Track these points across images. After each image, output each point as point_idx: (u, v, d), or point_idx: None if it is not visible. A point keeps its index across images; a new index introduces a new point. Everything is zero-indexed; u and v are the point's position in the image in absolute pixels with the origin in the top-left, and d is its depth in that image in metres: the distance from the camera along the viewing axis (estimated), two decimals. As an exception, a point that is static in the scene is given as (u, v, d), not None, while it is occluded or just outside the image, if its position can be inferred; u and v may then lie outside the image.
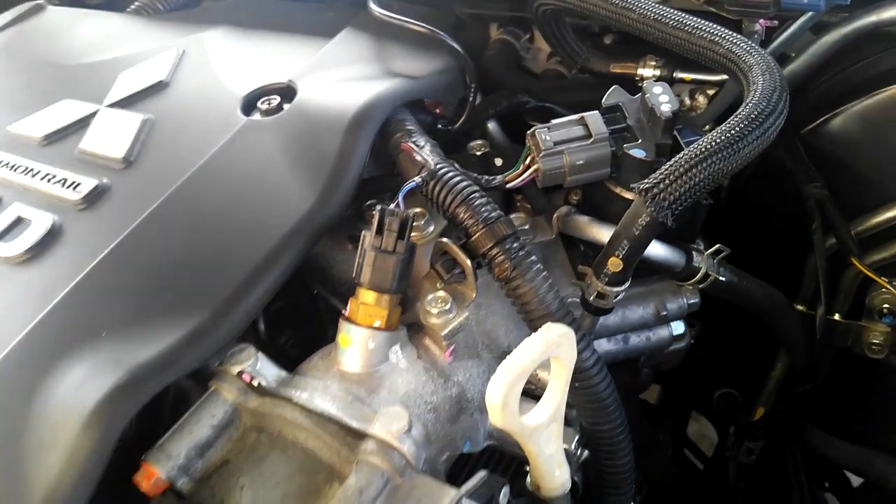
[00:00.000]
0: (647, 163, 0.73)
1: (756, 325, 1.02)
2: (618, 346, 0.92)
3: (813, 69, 0.92)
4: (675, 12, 0.79)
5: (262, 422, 0.62)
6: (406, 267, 0.67)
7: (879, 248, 0.98)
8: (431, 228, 0.78)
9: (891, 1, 0.86)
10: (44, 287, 0.66)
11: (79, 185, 0.76)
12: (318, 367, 0.67)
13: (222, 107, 0.84)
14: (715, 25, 0.77)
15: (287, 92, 0.85)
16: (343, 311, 0.68)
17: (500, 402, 0.52)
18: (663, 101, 0.73)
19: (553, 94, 1.00)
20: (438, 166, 0.72)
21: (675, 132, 0.74)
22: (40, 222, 0.73)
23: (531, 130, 0.75)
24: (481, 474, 0.58)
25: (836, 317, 1.04)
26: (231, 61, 0.93)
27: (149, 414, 0.60)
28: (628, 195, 0.77)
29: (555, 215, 0.85)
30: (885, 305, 0.99)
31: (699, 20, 0.77)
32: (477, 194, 0.70)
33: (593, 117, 0.74)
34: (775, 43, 0.88)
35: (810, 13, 0.86)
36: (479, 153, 0.89)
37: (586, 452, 0.74)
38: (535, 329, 0.58)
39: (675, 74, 0.93)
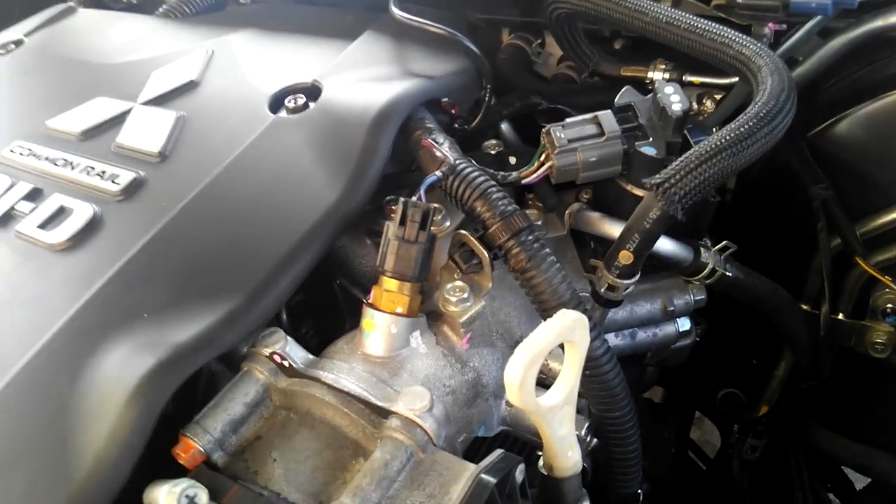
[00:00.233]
0: (658, 160, 0.76)
1: (760, 325, 1.04)
2: (625, 341, 0.95)
3: (820, 72, 0.94)
4: (687, 16, 0.82)
5: (292, 400, 0.66)
6: (427, 256, 0.70)
7: (884, 249, 0.99)
8: (448, 223, 0.81)
9: (898, 6, 0.88)
10: (86, 272, 0.70)
11: (117, 177, 0.80)
12: (344, 351, 0.71)
13: (251, 105, 0.87)
14: (725, 28, 0.79)
15: (312, 91, 0.89)
16: (366, 299, 0.72)
17: (518, 381, 0.55)
18: (674, 100, 0.75)
19: (564, 96, 1.02)
20: (457, 162, 0.75)
21: (685, 131, 0.77)
22: (81, 212, 0.76)
23: (546, 128, 0.78)
24: (498, 452, 0.61)
25: (840, 316, 1.05)
26: (258, 62, 0.97)
27: (184, 394, 0.63)
28: (639, 192, 0.80)
29: (567, 212, 0.88)
30: (889, 305, 1.00)
31: (710, 23, 0.80)
32: (494, 189, 0.73)
33: (606, 116, 0.77)
34: (784, 46, 0.90)
35: (818, 18, 0.88)
36: (493, 152, 0.92)
37: (596, 440, 0.76)
38: (548, 318, 0.61)
39: (684, 78, 0.95)
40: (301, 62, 0.96)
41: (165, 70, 0.98)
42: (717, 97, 0.97)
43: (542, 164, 0.78)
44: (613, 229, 0.82)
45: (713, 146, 0.67)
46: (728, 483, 1.25)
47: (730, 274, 0.88)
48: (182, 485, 0.55)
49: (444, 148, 0.78)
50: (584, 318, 0.59)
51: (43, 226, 0.76)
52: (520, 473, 0.61)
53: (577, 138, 0.77)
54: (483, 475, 0.58)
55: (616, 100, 0.81)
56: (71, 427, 0.58)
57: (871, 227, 1.00)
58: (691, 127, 0.78)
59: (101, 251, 0.72)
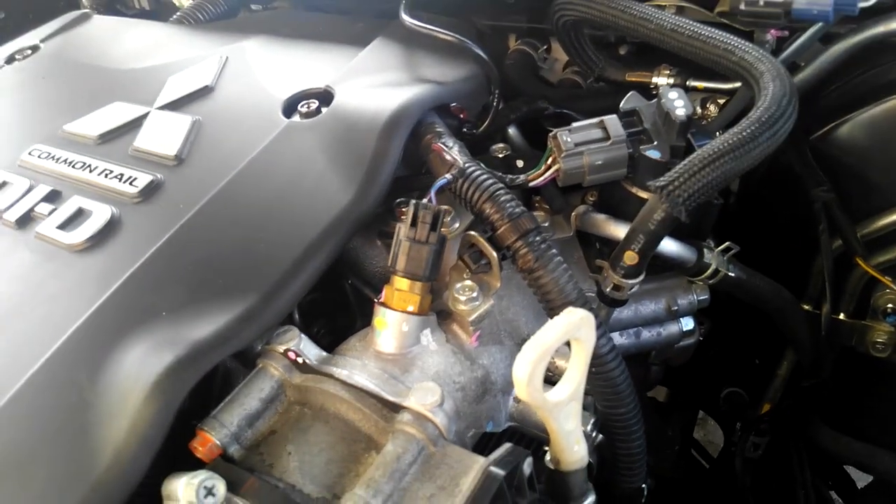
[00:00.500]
0: (662, 164, 0.78)
1: (763, 325, 1.05)
2: (630, 340, 0.96)
3: (822, 78, 0.95)
4: (690, 23, 0.83)
5: (306, 396, 0.67)
6: (437, 257, 0.72)
7: (884, 250, 1.00)
8: (458, 224, 0.83)
9: (898, 13, 0.90)
10: (105, 272, 0.72)
11: (135, 179, 0.82)
12: (356, 348, 0.73)
13: (264, 110, 0.89)
14: (728, 35, 0.81)
15: (325, 96, 0.91)
16: (378, 298, 0.74)
17: (526, 377, 0.56)
18: (678, 105, 0.77)
19: (569, 101, 1.04)
20: (467, 165, 0.77)
21: (689, 135, 0.79)
22: (100, 213, 0.78)
23: (553, 132, 0.79)
24: (507, 446, 0.63)
25: (842, 316, 1.06)
26: (271, 68, 0.99)
27: (200, 390, 0.65)
28: (644, 194, 0.81)
29: (573, 213, 0.90)
30: (889, 305, 1.01)
31: (713, 30, 0.82)
32: (502, 191, 0.75)
33: (612, 121, 0.79)
34: (786, 52, 0.91)
35: (820, 24, 0.89)
36: (500, 156, 0.93)
37: (601, 436, 0.78)
38: (554, 317, 0.62)
39: (688, 83, 0.96)
40: (313, 68, 0.98)
41: (181, 76, 1.00)
42: (721, 101, 0.99)
43: (549, 167, 0.80)
44: (619, 231, 0.84)
45: (716, 150, 0.69)
46: (731, 481, 1.26)
47: (732, 274, 0.89)
48: (200, 476, 0.57)
49: (453, 152, 0.80)
50: (591, 316, 0.60)
51: (62, 227, 0.78)
52: (528, 466, 0.62)
53: (584, 142, 0.78)
54: (492, 468, 0.59)
55: (621, 105, 0.82)
56: (91, 422, 0.60)
57: (872, 229, 1.01)
58: (695, 131, 0.79)
59: (120, 251, 0.74)
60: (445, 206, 0.81)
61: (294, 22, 1.18)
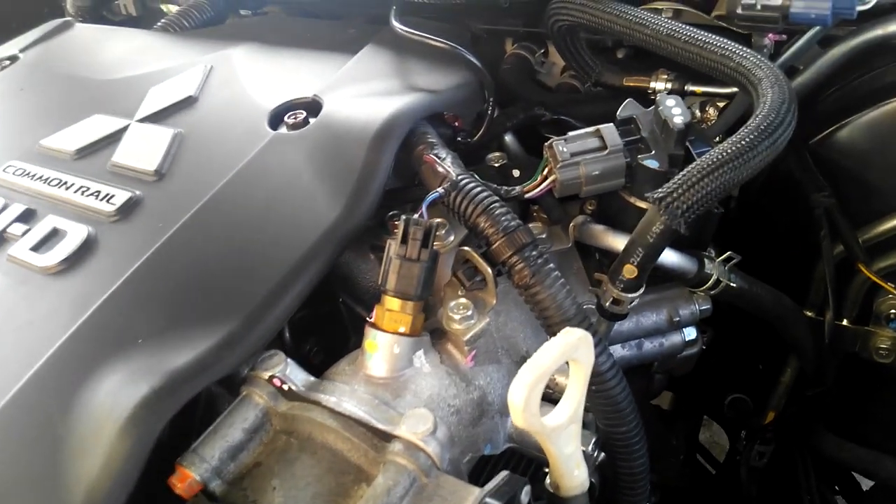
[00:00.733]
0: (661, 173, 0.75)
1: (766, 331, 1.03)
2: (632, 351, 0.94)
3: (821, 81, 0.94)
4: (687, 27, 0.81)
5: (292, 425, 0.64)
6: (430, 274, 0.69)
7: (886, 255, 0.99)
8: (452, 238, 0.80)
9: (896, 15, 0.88)
10: (80, 296, 0.69)
11: (112, 197, 0.79)
12: (345, 372, 0.70)
13: (250, 121, 0.86)
14: (725, 40, 0.79)
15: (313, 106, 0.88)
16: (368, 318, 0.71)
17: (522, 402, 0.54)
18: (676, 113, 0.75)
19: (567, 107, 1.02)
20: (460, 177, 0.74)
21: (687, 143, 0.76)
22: (75, 234, 0.75)
23: (549, 142, 0.77)
24: (503, 474, 0.60)
25: (844, 322, 1.05)
26: (257, 77, 0.96)
27: (181, 419, 0.62)
28: (642, 204, 0.79)
29: (571, 224, 0.88)
30: (892, 311, 1.01)
31: (710, 35, 0.80)
32: (497, 204, 0.73)
33: (608, 129, 0.77)
34: (784, 56, 0.90)
35: (818, 27, 0.88)
36: (497, 165, 0.91)
37: (603, 454, 0.76)
38: (553, 334, 0.60)
39: (686, 87, 0.95)
40: (301, 77, 0.95)
41: (163, 86, 0.97)
42: (720, 105, 0.97)
43: (545, 178, 0.78)
44: (618, 242, 0.82)
45: (715, 160, 0.67)
46: (736, 490, 1.24)
47: (734, 284, 0.87)
48: (178, 516, 0.54)
49: (446, 163, 0.77)
50: (589, 336, 0.58)
51: (36, 248, 0.75)
52: (525, 495, 0.60)
53: (580, 152, 0.76)
54: (488, 499, 0.57)
55: (618, 113, 0.80)
56: (63, 457, 0.57)
57: (874, 234, 1.00)
58: (693, 139, 0.77)
59: (95, 274, 0.71)
60: (439, 220, 0.79)
61: (283, 28, 1.15)
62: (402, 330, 0.68)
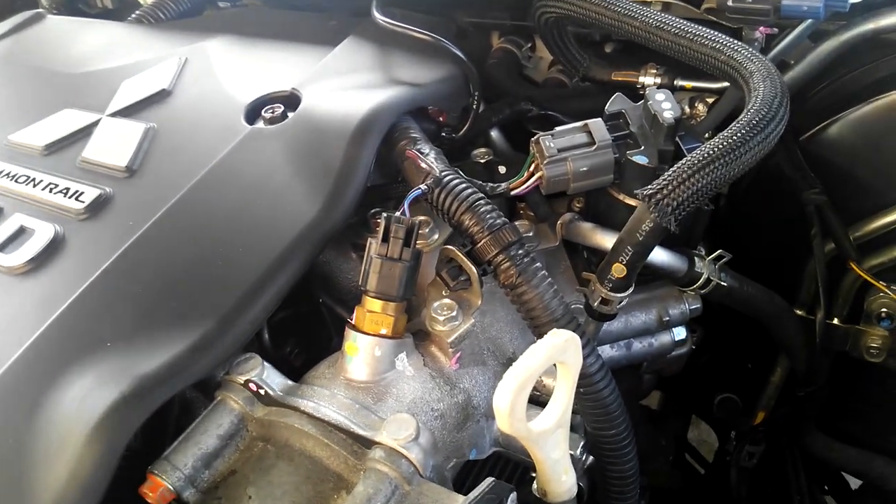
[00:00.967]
0: (650, 169, 0.74)
1: (756, 331, 1.02)
2: (621, 352, 0.93)
3: (812, 76, 0.93)
4: (677, 20, 0.80)
5: (269, 431, 0.62)
6: (412, 274, 0.67)
7: (877, 253, 0.99)
8: (436, 236, 0.78)
9: (888, 8, 0.87)
10: (47, 298, 0.66)
11: (81, 194, 0.76)
12: (325, 376, 0.67)
13: (226, 115, 0.84)
14: (716, 33, 0.78)
15: (291, 100, 0.85)
16: (349, 320, 0.68)
17: (507, 408, 0.52)
18: (666, 107, 0.73)
19: (555, 102, 1.00)
20: (443, 174, 0.72)
21: (677, 139, 0.75)
22: (42, 232, 0.72)
23: (535, 137, 0.75)
24: (489, 481, 0.58)
25: (835, 321, 1.05)
26: (234, 70, 0.94)
27: (154, 425, 0.60)
28: (631, 201, 0.78)
29: (558, 222, 0.86)
30: (883, 309, 1.00)
31: (700, 28, 0.79)
32: (482, 201, 0.71)
33: (597, 124, 0.75)
34: (775, 50, 0.89)
35: (809, 21, 0.87)
36: (482, 161, 0.89)
37: (591, 458, 0.74)
38: (540, 335, 0.58)
39: (675, 82, 0.93)
40: (279, 70, 0.92)
41: (136, 79, 0.94)
42: (710, 101, 0.96)
43: (532, 174, 0.75)
44: (606, 240, 0.80)
45: (705, 156, 0.65)
46: (726, 491, 1.24)
47: (724, 283, 0.86)
48: (150, 527, 0.52)
49: (429, 159, 0.75)
50: (577, 338, 0.57)
51: (1, 248, 0.72)
52: (511, 503, 0.58)
53: (568, 147, 0.74)
54: (473, 507, 0.55)
55: (606, 107, 0.79)
56: (28, 466, 0.55)
57: (865, 232, 0.99)
58: (683, 134, 0.76)
59: (63, 274, 0.69)
60: (422, 218, 0.76)
61: (261, 20, 1.12)
62: (383, 332, 0.66)
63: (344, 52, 0.94)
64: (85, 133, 0.86)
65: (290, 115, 0.82)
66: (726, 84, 0.90)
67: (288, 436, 0.61)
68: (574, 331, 0.64)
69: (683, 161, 0.66)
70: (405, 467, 0.57)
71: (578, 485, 0.68)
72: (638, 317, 0.90)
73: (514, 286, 0.68)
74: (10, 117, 0.93)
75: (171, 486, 0.57)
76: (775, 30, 0.88)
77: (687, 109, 0.98)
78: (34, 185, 0.79)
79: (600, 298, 0.75)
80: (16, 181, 0.80)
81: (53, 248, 0.71)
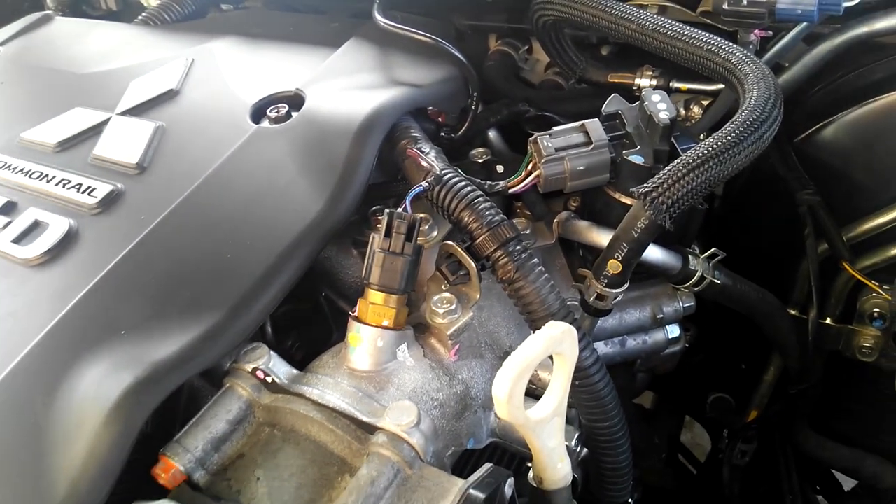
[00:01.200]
0: (646, 168, 0.75)
1: (749, 331, 1.04)
2: (615, 349, 0.94)
3: (806, 78, 0.95)
4: (673, 23, 0.81)
5: (276, 417, 0.64)
6: (413, 268, 0.69)
7: (870, 254, 1.00)
8: (435, 233, 0.81)
9: (882, 12, 0.89)
10: (62, 288, 0.68)
11: (94, 189, 0.78)
12: (329, 365, 0.70)
13: (232, 115, 0.86)
14: (712, 35, 0.79)
15: (295, 100, 0.87)
16: (352, 312, 0.70)
17: (506, 395, 0.54)
18: (661, 108, 0.75)
19: (551, 103, 1.02)
20: (444, 172, 0.74)
21: (673, 139, 0.77)
22: (57, 226, 0.75)
23: (533, 137, 0.77)
24: (487, 466, 0.60)
25: (828, 321, 1.06)
26: (240, 70, 0.96)
27: (164, 411, 0.62)
28: (627, 200, 0.79)
29: (555, 220, 0.88)
30: (876, 309, 1.01)
31: (696, 30, 0.80)
32: (481, 199, 0.73)
33: (593, 124, 0.77)
34: (770, 53, 0.90)
35: (804, 24, 0.88)
36: (480, 160, 0.91)
37: (585, 450, 0.76)
38: (537, 329, 0.60)
39: (671, 84, 0.95)
40: (284, 71, 0.94)
41: (144, 79, 0.96)
42: (705, 103, 0.98)
43: (530, 173, 0.77)
44: (602, 237, 0.82)
45: (700, 155, 0.67)
46: (718, 489, 1.25)
47: (718, 281, 0.88)
48: (161, 506, 0.54)
49: (430, 157, 0.77)
50: (573, 330, 0.58)
51: (17, 240, 0.74)
52: (509, 488, 0.60)
53: (565, 147, 0.76)
54: (472, 490, 0.57)
55: (603, 108, 0.80)
56: (46, 448, 0.57)
57: (858, 232, 1.01)
58: (678, 134, 0.78)
59: (78, 266, 0.71)
60: (422, 215, 0.78)
61: (265, 22, 1.14)
62: (385, 323, 0.68)
63: (346, 53, 0.97)
64: (96, 131, 0.88)
65: (295, 114, 0.85)
66: (721, 86, 0.92)
67: (294, 421, 0.63)
68: (570, 325, 0.66)
69: (678, 160, 0.68)
70: (407, 452, 0.59)
71: (573, 475, 0.70)
72: (632, 314, 0.92)
73: (511, 281, 0.70)
74: (22, 115, 0.95)
75: (182, 468, 0.59)
76: (770, 33, 0.89)
77: (683, 111, 1.00)
78: (48, 181, 0.81)
79: (596, 294, 0.77)
80: (29, 177, 0.82)
81: (68, 241, 0.73)
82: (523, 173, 0.78)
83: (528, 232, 0.87)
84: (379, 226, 0.69)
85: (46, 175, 0.82)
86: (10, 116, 0.97)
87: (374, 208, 0.82)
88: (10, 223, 0.77)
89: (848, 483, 1.25)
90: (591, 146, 0.76)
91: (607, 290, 0.75)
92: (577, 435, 0.74)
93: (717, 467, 1.27)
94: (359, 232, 0.83)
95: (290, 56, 0.99)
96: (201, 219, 0.74)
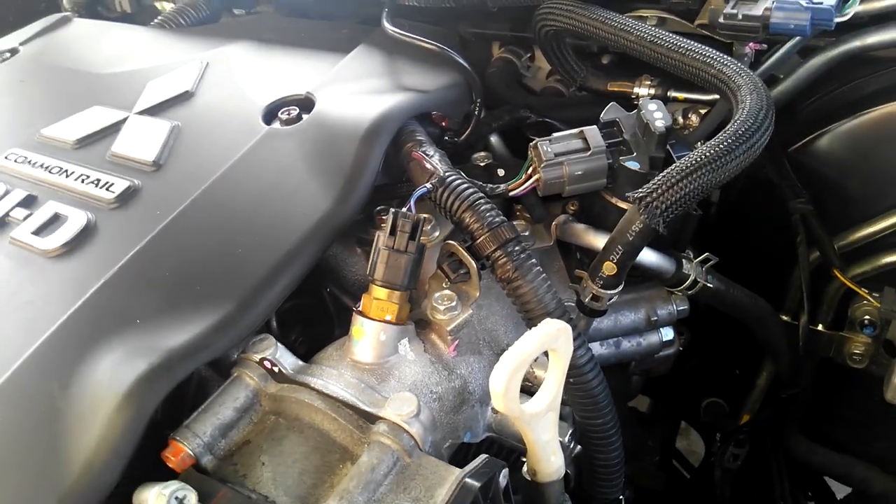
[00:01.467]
0: (642, 174, 0.78)
1: (742, 336, 1.06)
2: (610, 350, 0.96)
3: (800, 90, 0.97)
4: (670, 35, 0.84)
5: (281, 405, 0.67)
6: (416, 266, 0.72)
7: (861, 262, 1.02)
8: (437, 234, 0.83)
9: (874, 27, 0.91)
10: (80, 278, 0.71)
11: (112, 185, 0.81)
12: (333, 357, 0.72)
13: (245, 116, 0.89)
14: (707, 48, 0.82)
15: (306, 103, 0.90)
16: (356, 307, 0.73)
17: (502, 388, 0.56)
18: (657, 116, 0.78)
19: (552, 110, 1.04)
20: (447, 174, 0.77)
21: (668, 147, 0.79)
22: (76, 219, 0.77)
23: (533, 142, 0.80)
24: (483, 457, 0.62)
25: (820, 327, 1.08)
26: (252, 74, 0.99)
27: (174, 400, 0.65)
28: (623, 205, 0.82)
29: (553, 223, 0.90)
30: (866, 317, 1.03)
31: (692, 42, 0.83)
32: (482, 200, 0.75)
33: (592, 131, 0.79)
34: (764, 65, 0.93)
35: (798, 38, 0.90)
36: (482, 164, 0.94)
37: (579, 447, 0.78)
38: (533, 327, 0.62)
39: (668, 93, 0.97)
40: (295, 74, 0.97)
41: (161, 81, 0.99)
42: (702, 112, 0.99)
43: (530, 176, 0.80)
44: (598, 240, 0.84)
45: (694, 162, 0.69)
46: (710, 491, 1.26)
47: (711, 285, 0.90)
48: (172, 487, 0.56)
49: (434, 160, 0.80)
50: (568, 327, 0.61)
51: (37, 232, 0.77)
52: (503, 478, 0.62)
53: (564, 152, 0.78)
54: (467, 479, 0.59)
55: (601, 115, 0.83)
56: (62, 430, 0.59)
57: (850, 241, 1.02)
58: (674, 142, 0.80)
59: (95, 258, 0.73)
60: (425, 215, 0.81)
61: (277, 27, 1.17)
62: (388, 318, 0.71)
63: (356, 59, 0.99)
64: (114, 129, 0.91)
65: (305, 116, 0.87)
66: (717, 96, 0.94)
67: (298, 410, 0.66)
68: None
69: (673, 166, 0.70)
70: (406, 441, 0.61)
71: (565, 471, 0.72)
72: (627, 316, 0.94)
73: (510, 280, 0.72)
74: (41, 113, 0.98)
75: (191, 452, 0.62)
76: (765, 46, 0.91)
77: (680, 120, 1.01)
78: (67, 176, 0.84)
79: (591, 295, 0.79)
80: (49, 172, 0.85)
81: (86, 234, 0.76)
82: (523, 177, 0.80)
83: (527, 234, 0.89)
84: (384, 224, 0.71)
85: (66, 170, 0.85)
86: (31, 114, 1.00)
87: (378, 208, 0.85)
88: (30, 215, 0.79)
89: (841, 492, 1.26)
90: (590, 152, 0.78)
91: (602, 290, 0.78)
92: (570, 431, 0.76)
93: (709, 471, 1.28)
94: (364, 231, 0.85)
95: (301, 60, 1.02)
96: (214, 215, 0.77)
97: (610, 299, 0.79)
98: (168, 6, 1.30)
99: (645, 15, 0.98)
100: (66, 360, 0.64)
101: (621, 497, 0.83)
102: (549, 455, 0.67)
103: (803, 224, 1.02)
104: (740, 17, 0.85)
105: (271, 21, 1.23)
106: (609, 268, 0.76)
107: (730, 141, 0.70)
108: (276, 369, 0.68)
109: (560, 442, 0.74)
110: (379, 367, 0.71)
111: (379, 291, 0.71)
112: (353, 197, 0.76)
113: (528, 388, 0.73)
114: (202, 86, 0.97)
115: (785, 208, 1.02)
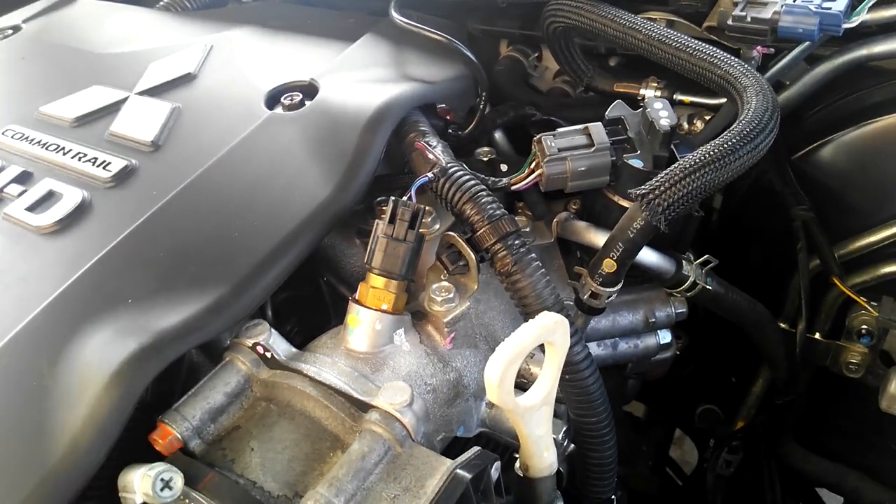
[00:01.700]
0: (645, 173, 0.77)
1: (739, 342, 1.05)
2: (607, 350, 0.96)
3: (806, 97, 0.97)
4: (679, 35, 0.84)
5: (273, 392, 0.66)
6: (414, 255, 0.71)
7: (861, 271, 1.02)
8: (438, 226, 0.82)
9: (882, 36, 0.91)
10: (73, 256, 0.70)
11: (108, 164, 0.80)
12: (327, 345, 0.71)
13: (247, 100, 0.88)
14: (715, 49, 0.82)
15: (309, 90, 0.90)
16: (353, 295, 0.72)
17: (497, 379, 0.56)
18: (663, 115, 0.77)
19: (557, 110, 1.04)
20: (449, 165, 0.76)
21: (672, 147, 0.79)
22: (71, 197, 0.77)
23: (538, 137, 0.79)
24: (475, 449, 0.62)
25: (817, 335, 1.07)
26: (256, 58, 0.98)
27: (164, 383, 0.64)
28: (625, 203, 0.81)
29: (554, 220, 0.90)
30: (864, 326, 1.03)
31: (700, 43, 0.82)
32: (484, 193, 0.74)
33: (596, 128, 0.79)
34: (771, 70, 0.92)
35: (805, 44, 0.90)
36: (485, 159, 0.93)
37: (572, 445, 0.77)
38: (530, 321, 0.62)
39: (675, 96, 0.97)
40: (299, 61, 0.97)
41: (163, 62, 0.99)
42: (707, 118, 0.99)
43: (532, 171, 0.79)
44: (599, 238, 0.84)
45: (697, 161, 0.69)
46: (702, 498, 1.26)
47: (710, 288, 0.89)
48: (157, 468, 0.55)
49: (436, 151, 0.79)
50: (565, 321, 0.60)
51: (31, 209, 0.76)
52: (495, 471, 0.61)
53: (568, 148, 0.78)
54: (458, 470, 0.59)
55: (607, 113, 0.82)
56: (49, 408, 0.59)
57: (850, 250, 1.02)
58: (678, 143, 0.80)
59: (89, 236, 0.73)
60: (426, 206, 0.80)
61: (283, 14, 1.17)
62: (384, 307, 0.70)
63: (361, 47, 0.99)
64: (113, 109, 0.90)
65: (308, 103, 0.87)
66: (722, 100, 0.94)
67: (290, 397, 0.65)
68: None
69: (676, 165, 0.69)
70: (398, 430, 0.60)
71: (558, 469, 0.71)
72: (625, 316, 0.93)
73: (508, 274, 0.72)
74: (41, 90, 0.97)
75: (179, 435, 0.61)
76: (772, 50, 0.91)
77: (686, 125, 1.01)
78: (63, 154, 0.83)
79: (590, 292, 0.78)
80: (46, 149, 0.85)
81: (80, 212, 0.75)
82: (526, 171, 0.80)
83: (527, 230, 0.89)
84: (383, 213, 0.71)
85: (63, 148, 0.84)
86: (30, 91, 0.99)
87: (379, 198, 0.84)
88: (25, 192, 0.79)
89: (831, 502, 1.26)
90: (594, 148, 0.78)
91: (601, 288, 0.77)
92: (564, 429, 0.75)
93: (702, 478, 1.28)
94: (363, 221, 0.84)
95: (307, 47, 1.01)
96: (211, 197, 0.76)
97: (608, 297, 0.79)
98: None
99: (654, 17, 0.98)
100: (55, 337, 0.63)
101: (613, 497, 0.82)
102: (542, 450, 0.66)
103: (804, 231, 1.02)
104: (749, 19, 0.84)
105: (278, 8, 1.23)
106: (609, 265, 0.75)
107: (734, 140, 0.70)
108: (268, 355, 0.67)
109: (553, 439, 0.73)
110: (373, 356, 0.70)
111: (376, 280, 0.70)
112: (353, 184, 0.76)
113: (523, 385, 0.72)
114: (205, 69, 0.96)
115: (786, 216, 1.02)
